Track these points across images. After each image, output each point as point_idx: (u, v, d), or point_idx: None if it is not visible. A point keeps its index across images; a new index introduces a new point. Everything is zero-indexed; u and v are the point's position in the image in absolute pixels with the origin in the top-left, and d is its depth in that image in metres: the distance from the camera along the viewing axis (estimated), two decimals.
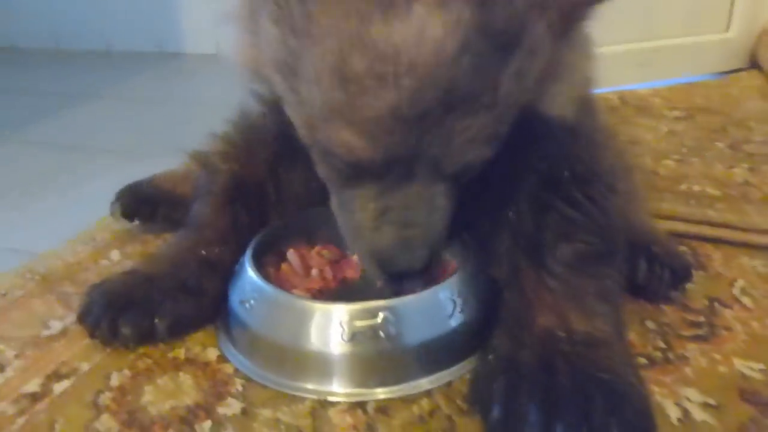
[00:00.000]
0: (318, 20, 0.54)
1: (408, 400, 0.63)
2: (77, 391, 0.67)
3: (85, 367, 0.71)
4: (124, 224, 1.02)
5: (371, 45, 0.52)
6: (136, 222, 1.00)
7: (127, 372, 0.70)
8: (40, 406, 0.66)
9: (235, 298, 0.74)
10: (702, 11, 1.85)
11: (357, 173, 0.61)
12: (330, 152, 0.60)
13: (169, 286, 0.76)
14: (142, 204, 1.00)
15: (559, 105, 0.65)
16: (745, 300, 0.78)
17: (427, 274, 0.66)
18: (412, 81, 0.52)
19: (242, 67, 0.69)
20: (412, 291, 0.67)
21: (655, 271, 0.76)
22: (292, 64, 0.58)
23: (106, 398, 0.66)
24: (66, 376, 0.70)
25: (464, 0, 0.51)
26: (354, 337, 0.64)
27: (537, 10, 0.55)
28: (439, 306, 0.66)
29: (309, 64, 0.56)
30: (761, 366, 0.66)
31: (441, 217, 0.63)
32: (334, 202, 0.68)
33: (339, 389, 0.65)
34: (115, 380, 0.69)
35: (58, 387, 0.68)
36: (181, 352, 0.73)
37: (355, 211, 0.64)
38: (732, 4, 1.86)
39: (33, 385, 0.69)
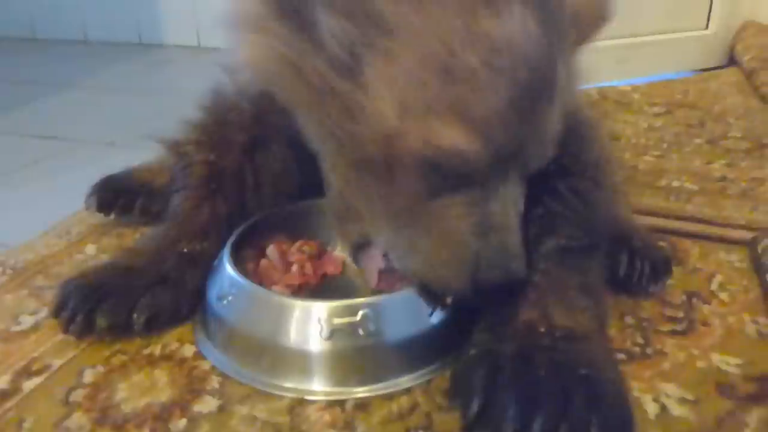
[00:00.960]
0: (409, 16, 0.54)
1: (387, 397, 0.63)
2: (48, 389, 0.66)
3: (56, 363, 0.70)
4: (100, 217, 1.00)
5: (484, 38, 0.52)
6: (113, 215, 0.98)
7: (100, 368, 0.68)
8: (9, 404, 0.64)
9: (213, 294, 0.73)
10: (681, 8, 1.87)
11: (453, 179, 0.58)
12: (427, 157, 0.57)
13: (149, 280, 0.75)
14: (119, 196, 0.98)
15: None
16: (723, 295, 0.79)
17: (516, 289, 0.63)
18: (526, 73, 0.53)
19: (250, 68, 0.67)
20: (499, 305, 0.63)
21: (636, 266, 0.76)
22: (360, 57, 0.56)
23: (78, 395, 0.65)
24: (36, 373, 0.68)
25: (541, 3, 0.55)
26: (333, 334, 0.63)
27: (569, 22, 0.58)
28: (420, 303, 0.65)
29: (397, 54, 0.54)
30: (738, 361, 0.67)
31: (519, 222, 0.62)
32: (390, 228, 0.64)
33: (319, 387, 0.64)
34: (88, 377, 0.67)
35: (28, 384, 0.67)
36: (156, 348, 0.71)
37: (449, 220, 0.60)
38: (711, 1, 1.87)
39: (1, 382, 0.67)
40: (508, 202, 0.60)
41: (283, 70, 0.61)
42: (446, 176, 0.58)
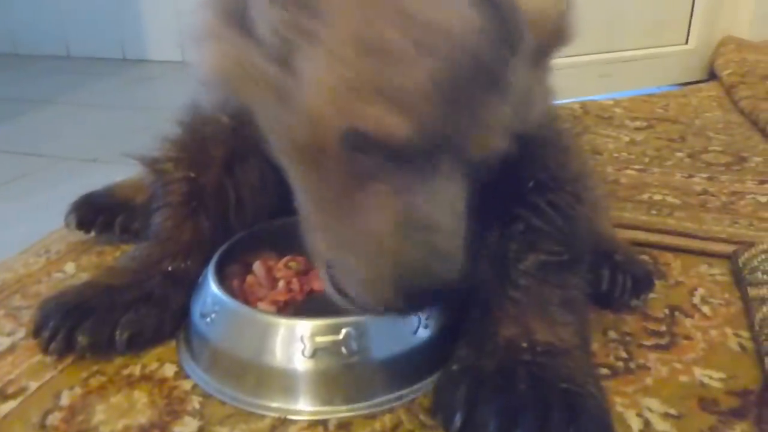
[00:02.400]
0: None
1: (370, 416, 0.62)
2: (24, 412, 0.64)
3: (33, 386, 0.68)
4: (79, 235, 0.98)
5: (405, 13, 0.50)
6: (93, 233, 0.97)
7: (78, 390, 0.67)
8: None
9: (196, 312, 0.72)
10: (662, 24, 1.90)
11: (380, 161, 0.54)
12: (351, 134, 0.53)
13: (132, 298, 0.74)
14: (99, 214, 0.97)
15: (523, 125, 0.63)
16: (705, 309, 0.79)
17: (455, 296, 0.59)
18: (449, 48, 0.50)
19: (216, 73, 0.64)
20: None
21: (618, 280, 0.76)
22: (295, 42, 0.54)
23: (54, 419, 0.63)
24: (12, 396, 0.67)
25: None
26: (316, 353, 0.62)
27: (528, 29, 0.55)
28: (404, 322, 0.65)
29: (325, 35, 0.53)
30: (720, 375, 0.67)
31: (461, 225, 0.57)
32: (322, 221, 0.61)
33: (303, 406, 0.63)
34: (65, 399, 0.66)
35: (4, 408, 0.65)
36: (136, 369, 0.70)
37: (369, 212, 0.55)
38: (691, 16, 1.91)
39: None
40: (440, 196, 0.55)
41: (236, 73, 0.59)
42: (371, 159, 0.54)
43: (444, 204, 0.56)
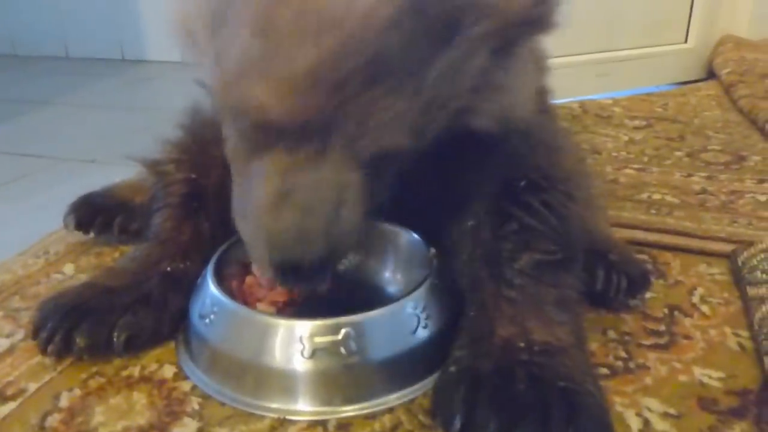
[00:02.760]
0: None
1: (370, 417, 0.62)
2: (23, 414, 0.64)
3: (32, 387, 0.68)
4: (78, 236, 0.98)
5: None
6: (92, 234, 0.97)
7: (77, 392, 0.67)
8: None
9: (195, 313, 0.72)
10: (661, 23, 1.90)
11: (264, 141, 0.55)
12: (240, 113, 0.55)
13: (130, 299, 0.74)
14: (98, 215, 0.97)
15: (489, 124, 0.63)
16: (704, 308, 0.79)
17: (322, 279, 0.61)
18: (334, 41, 0.49)
19: (174, 27, 0.64)
20: (303, 293, 0.63)
21: (613, 280, 0.76)
22: (218, 15, 0.54)
23: (53, 420, 0.63)
24: (11, 398, 0.67)
25: None
26: (315, 353, 0.62)
27: (473, 13, 0.54)
28: (403, 322, 0.65)
29: (233, 14, 0.53)
30: (720, 374, 0.67)
31: (350, 215, 0.58)
32: (234, 184, 0.62)
33: (303, 407, 0.63)
34: (64, 401, 0.66)
35: (3, 409, 0.65)
36: (135, 370, 0.70)
37: (254, 188, 0.57)
38: (690, 15, 1.91)
39: None
40: (321, 182, 0.55)
41: (185, 30, 0.61)
42: (255, 135, 0.55)
43: (325, 191, 0.56)
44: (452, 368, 0.62)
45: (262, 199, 0.56)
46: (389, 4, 0.50)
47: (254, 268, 0.75)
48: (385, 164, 0.58)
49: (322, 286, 0.63)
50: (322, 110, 0.52)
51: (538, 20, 0.58)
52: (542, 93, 0.80)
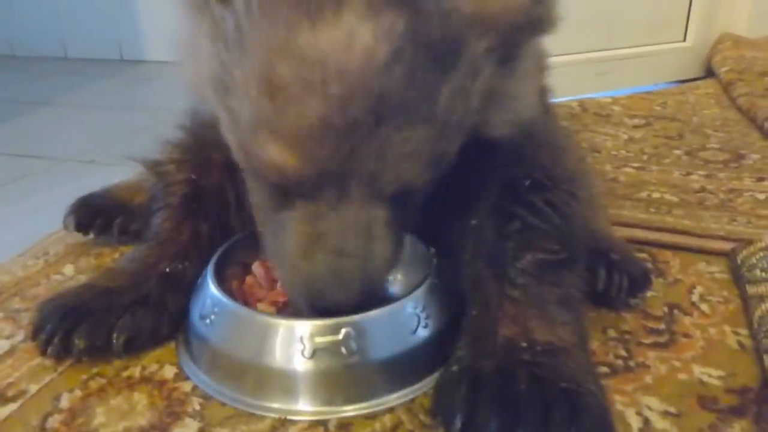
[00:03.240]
0: (248, 32, 0.53)
1: (370, 416, 0.62)
2: (24, 415, 0.64)
3: (33, 388, 0.68)
4: (78, 237, 0.98)
5: (298, 52, 0.50)
6: (91, 235, 0.97)
7: (78, 392, 0.67)
8: None
9: (195, 313, 0.72)
10: (659, 21, 1.90)
11: (287, 194, 0.58)
12: (259, 171, 0.58)
13: (129, 300, 0.74)
14: (97, 216, 0.97)
15: (503, 132, 0.64)
16: (704, 306, 0.79)
17: (360, 311, 0.62)
18: (341, 88, 0.50)
19: (187, 90, 0.68)
20: None
21: (614, 279, 0.76)
22: (225, 81, 0.56)
23: (54, 421, 0.63)
24: (12, 399, 0.67)
25: (397, 10, 0.50)
26: (315, 353, 0.62)
27: (476, 30, 0.54)
28: (403, 322, 0.65)
29: (239, 76, 0.54)
30: (720, 372, 0.67)
31: (381, 248, 0.59)
32: (265, 231, 0.65)
33: (304, 407, 0.63)
34: (65, 402, 0.66)
35: (4, 411, 0.65)
36: (136, 370, 0.70)
37: (286, 236, 0.59)
38: (689, 14, 1.91)
39: None
40: (349, 223, 0.57)
41: (198, 94, 0.65)
42: (277, 192, 0.58)
43: (354, 231, 0.57)
44: (454, 367, 0.62)
45: (294, 247, 0.59)
46: (387, 40, 0.50)
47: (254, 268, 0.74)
48: (408, 195, 0.59)
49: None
50: (337, 157, 0.53)
51: (539, 20, 0.58)
52: (543, 92, 0.80)
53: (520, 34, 0.59)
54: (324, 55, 0.50)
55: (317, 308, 0.60)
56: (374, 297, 0.62)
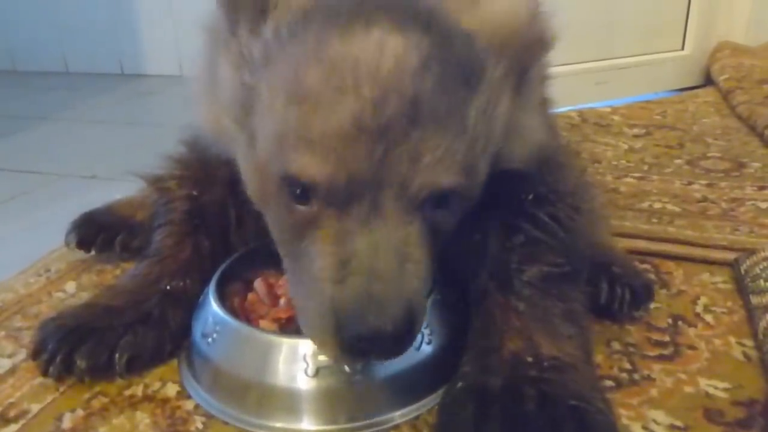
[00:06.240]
0: (276, 53, 0.54)
1: None
2: None
3: (35, 408, 0.68)
4: (80, 254, 0.98)
5: (327, 59, 0.52)
6: (93, 251, 0.97)
7: (80, 412, 0.67)
8: None
9: (197, 332, 0.72)
10: (658, 30, 1.91)
11: (312, 220, 0.55)
12: (284, 182, 0.55)
13: (130, 319, 0.73)
14: (99, 232, 0.97)
15: (520, 164, 0.66)
16: (708, 317, 0.79)
17: (403, 347, 0.54)
18: (373, 89, 0.51)
19: (206, 130, 0.69)
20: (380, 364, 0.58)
21: (617, 293, 0.76)
22: (247, 103, 0.57)
23: None
24: (14, 419, 0.66)
25: (422, 30, 0.53)
26: (318, 371, 0.62)
27: (493, 54, 0.57)
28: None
29: (264, 90, 0.55)
30: (726, 385, 0.67)
31: (416, 268, 0.54)
32: (287, 271, 0.61)
33: (307, 426, 0.63)
34: (67, 422, 0.66)
35: (5, 431, 0.65)
36: (138, 389, 0.70)
37: (313, 260, 0.54)
38: (686, 22, 1.92)
39: None
40: (382, 239, 0.52)
41: (216, 131, 0.65)
42: (311, 205, 0.54)
43: (387, 249, 0.53)
44: (459, 384, 0.61)
45: (323, 271, 0.53)
46: (416, 51, 0.52)
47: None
48: (440, 206, 0.57)
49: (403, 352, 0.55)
50: (369, 160, 0.52)
51: (540, 36, 0.60)
52: (543, 104, 0.80)
53: (528, 56, 0.61)
54: (355, 60, 0.51)
55: (349, 339, 0.51)
56: (414, 328, 0.54)
